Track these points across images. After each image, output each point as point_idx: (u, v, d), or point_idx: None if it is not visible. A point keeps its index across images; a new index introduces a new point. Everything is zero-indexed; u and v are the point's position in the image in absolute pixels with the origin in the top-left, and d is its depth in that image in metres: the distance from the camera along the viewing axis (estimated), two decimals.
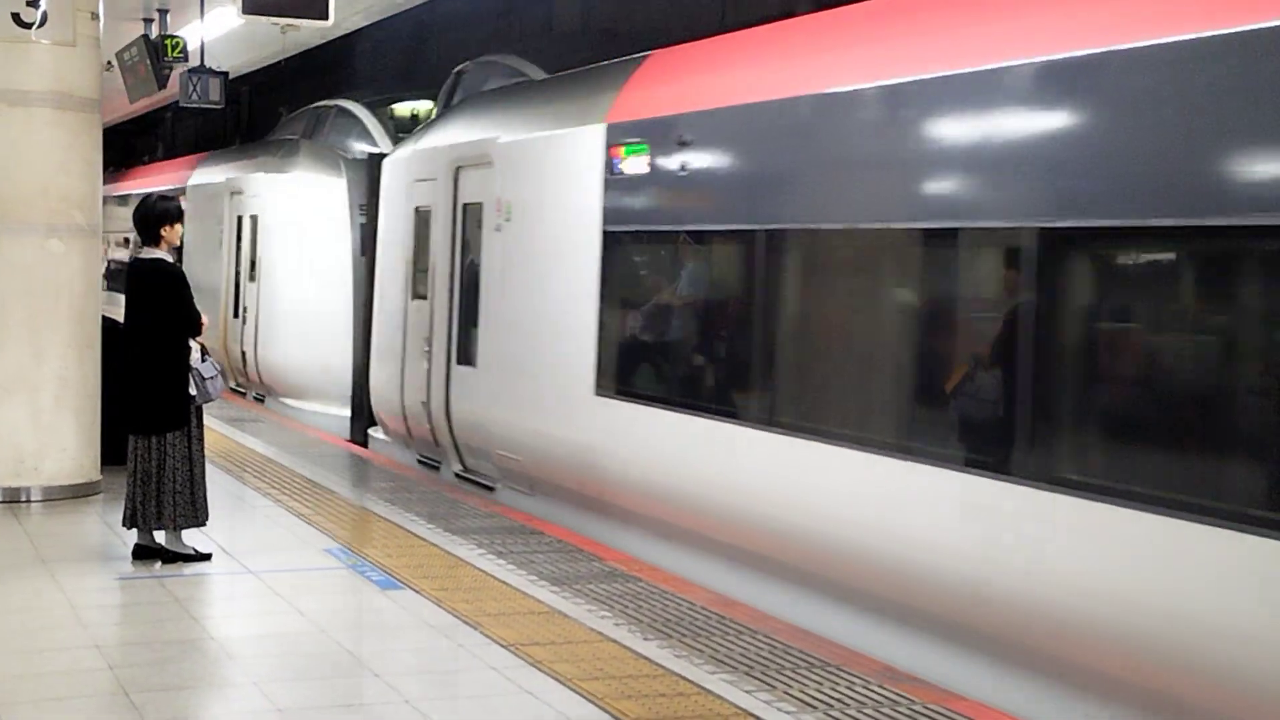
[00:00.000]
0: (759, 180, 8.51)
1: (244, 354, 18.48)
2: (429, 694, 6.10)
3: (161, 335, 8.26)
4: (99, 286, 10.82)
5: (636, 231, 9.73)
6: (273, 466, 12.02)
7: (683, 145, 9.01)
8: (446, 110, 13.71)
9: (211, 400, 8.44)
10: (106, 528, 9.36)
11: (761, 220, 8.31)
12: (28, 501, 10.16)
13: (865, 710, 6.00)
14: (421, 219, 12.84)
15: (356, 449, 13.93)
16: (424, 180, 12.77)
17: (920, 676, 6.58)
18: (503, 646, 6.77)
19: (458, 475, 12.07)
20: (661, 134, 9.26)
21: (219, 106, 16.77)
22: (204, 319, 8.48)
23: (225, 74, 16.60)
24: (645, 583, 8.17)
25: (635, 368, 9.82)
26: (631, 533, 9.52)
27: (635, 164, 9.52)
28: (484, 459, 11.59)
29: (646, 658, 6.65)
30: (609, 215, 9.80)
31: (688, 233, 9.16)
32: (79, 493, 10.34)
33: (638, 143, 9.50)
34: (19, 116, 10.30)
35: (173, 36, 16.19)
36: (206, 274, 19.84)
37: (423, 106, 17.87)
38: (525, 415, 10.80)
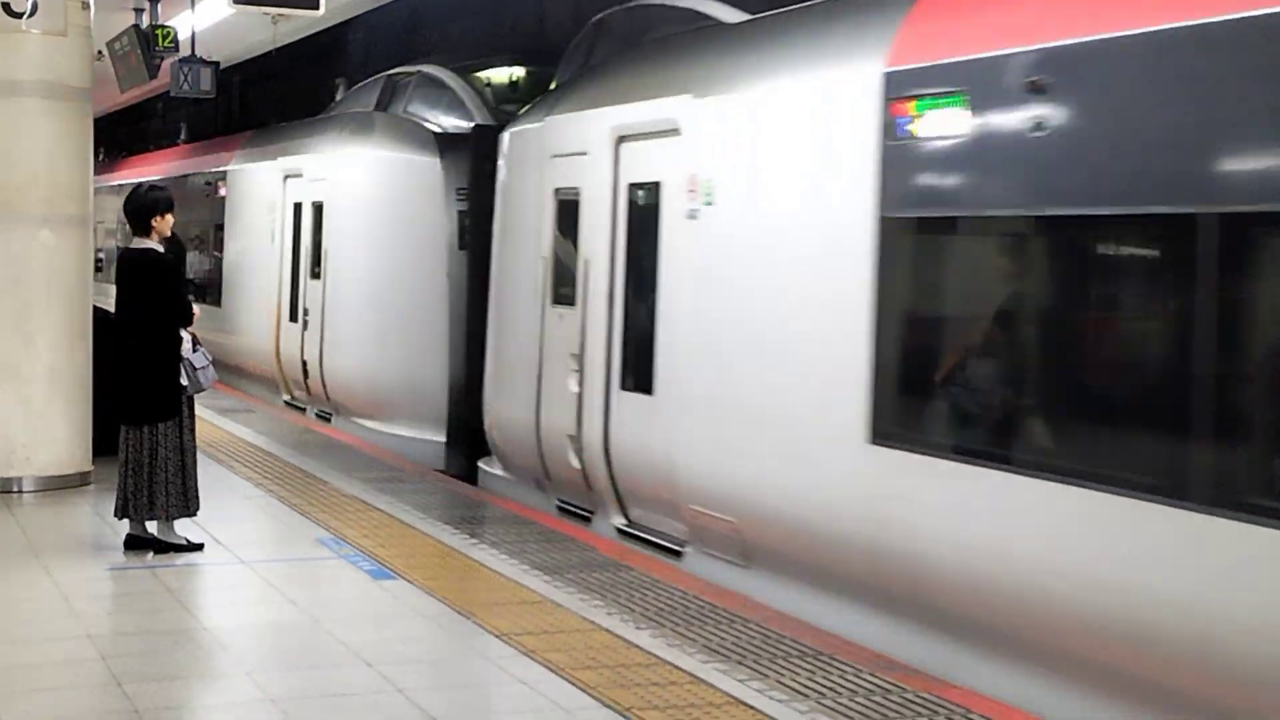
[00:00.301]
0: (1235, 138, 5.53)
1: (305, 364, 15.47)
2: (421, 683, 6.10)
3: (153, 325, 8.25)
4: (90, 276, 10.81)
5: (949, 218, 7.02)
6: (264, 457, 12.01)
7: (1042, 92, 6.24)
8: (590, 69, 11.16)
9: (203, 390, 8.43)
10: (98, 518, 9.36)
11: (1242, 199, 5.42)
12: (19, 492, 10.15)
13: (857, 699, 6.01)
14: (564, 204, 10.24)
15: (457, 484, 11.45)
16: (568, 155, 10.19)
17: None
18: (495, 636, 6.77)
19: (621, 530, 9.54)
20: (998, 78, 6.52)
21: (210, 96, 16.73)
22: (195, 309, 8.48)
23: (216, 64, 16.56)
24: (638, 572, 8.17)
25: (952, 409, 6.96)
26: (938, 638, 6.84)
27: (941, 123, 6.89)
28: (662, 513, 9.04)
29: (639, 647, 6.65)
30: (891, 196, 7.12)
31: (1064, 219, 6.26)
32: (71, 483, 10.33)
33: (946, 93, 6.84)
34: (10, 107, 10.28)
35: (163, 26, 16.14)
36: (252, 270, 17.46)
37: (518, 73, 15.21)
38: (742, 464, 8.15)
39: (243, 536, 8.91)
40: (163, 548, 8.35)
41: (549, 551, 8.62)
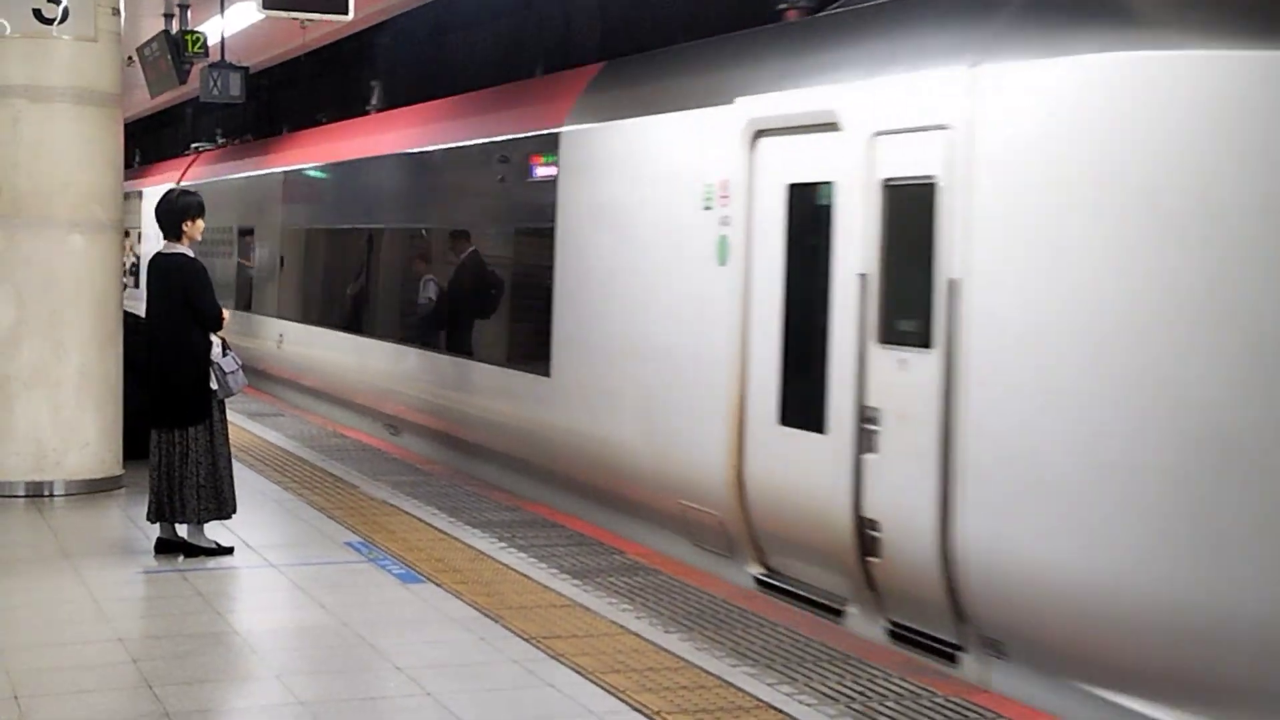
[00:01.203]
0: None
1: (865, 525, 7.30)
2: (450, 687, 6.11)
3: (183, 330, 8.29)
4: (120, 281, 10.86)
5: None
6: (293, 460, 12.05)
7: None
8: None
9: (233, 394, 8.46)
10: (129, 521, 9.39)
11: None
12: (50, 496, 10.19)
13: (887, 703, 5.99)
14: None
15: None
16: None
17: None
18: (524, 639, 6.78)
19: None
20: None
21: (240, 101, 16.79)
22: (225, 313, 8.52)
23: (246, 69, 16.63)
24: (666, 576, 8.17)
25: None
26: None
27: None
28: None
29: (668, 650, 6.65)
30: None
31: None
32: (101, 487, 10.37)
33: None
34: (40, 112, 10.33)
35: (193, 32, 16.24)
36: (641, 317, 9.60)
37: None
38: None
39: (272, 540, 8.94)
40: (193, 551, 8.38)
41: (578, 555, 8.62)
